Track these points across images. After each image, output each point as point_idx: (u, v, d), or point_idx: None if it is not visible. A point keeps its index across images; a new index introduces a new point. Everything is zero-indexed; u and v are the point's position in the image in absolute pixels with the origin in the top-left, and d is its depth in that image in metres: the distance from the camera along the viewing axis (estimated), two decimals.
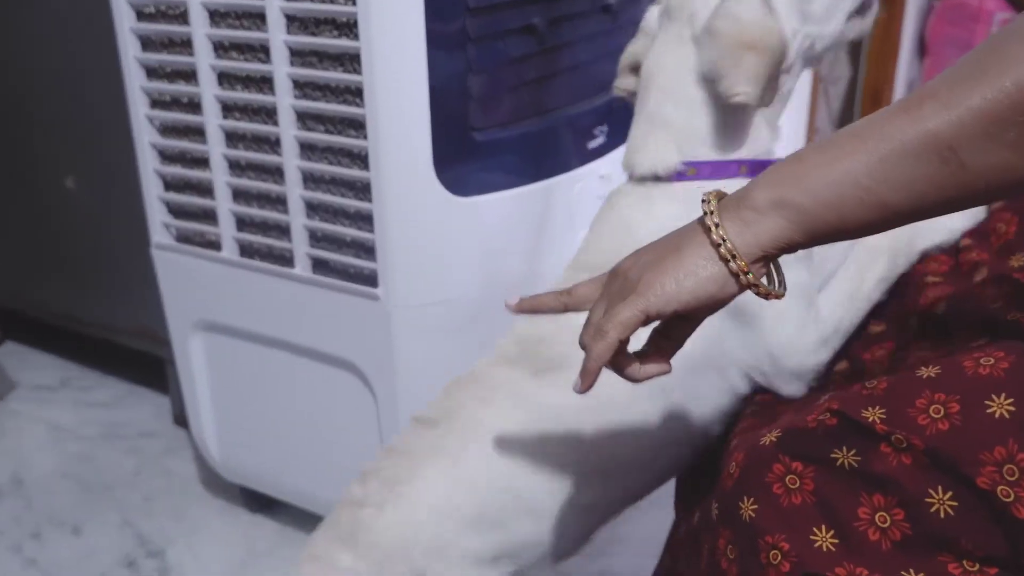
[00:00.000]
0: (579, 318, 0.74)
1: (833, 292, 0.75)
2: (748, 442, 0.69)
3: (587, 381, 0.58)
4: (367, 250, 1.06)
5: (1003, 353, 0.59)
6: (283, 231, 1.12)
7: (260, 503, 1.40)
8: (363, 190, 1.03)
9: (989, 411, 0.57)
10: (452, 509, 0.73)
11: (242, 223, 1.16)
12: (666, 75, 0.76)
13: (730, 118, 0.74)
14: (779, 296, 0.56)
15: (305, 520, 1.36)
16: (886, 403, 0.60)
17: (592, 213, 1.25)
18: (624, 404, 0.75)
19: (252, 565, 1.32)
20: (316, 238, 1.10)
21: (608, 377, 0.71)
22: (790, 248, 0.54)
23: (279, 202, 1.11)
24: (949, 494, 0.57)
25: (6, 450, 1.61)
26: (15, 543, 1.37)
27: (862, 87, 2.22)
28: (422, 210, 1.03)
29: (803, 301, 0.74)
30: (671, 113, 0.75)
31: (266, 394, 1.25)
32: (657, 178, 0.76)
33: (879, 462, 0.59)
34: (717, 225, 0.53)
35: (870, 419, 0.60)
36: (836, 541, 0.61)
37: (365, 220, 1.04)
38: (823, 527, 0.61)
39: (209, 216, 1.18)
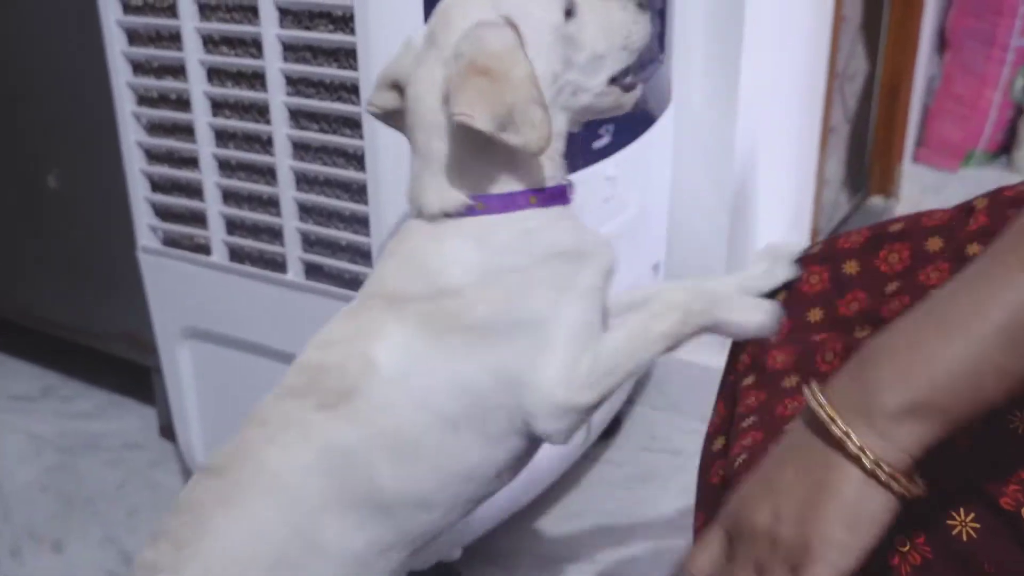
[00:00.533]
0: (367, 344, 0.74)
1: (616, 336, 0.75)
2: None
3: None
4: (363, 255, 1.06)
5: None
6: (275, 234, 1.12)
7: None
8: (359, 192, 1.03)
9: (1011, 427, 0.56)
10: (247, 561, 0.73)
11: (232, 226, 1.16)
12: (427, 108, 0.76)
13: (498, 150, 0.74)
14: (921, 492, 0.53)
15: None
16: None
17: (597, 218, 1.25)
18: (414, 438, 0.74)
19: None
20: (309, 242, 1.10)
21: (395, 408, 0.73)
22: (934, 445, 0.51)
23: (271, 204, 1.11)
24: (972, 515, 0.56)
25: None
26: None
27: (879, 83, 2.22)
28: None
29: (581, 338, 0.74)
30: (440, 148, 0.76)
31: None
32: (447, 215, 0.77)
33: None
34: (863, 450, 0.50)
35: None
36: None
37: (361, 223, 1.04)
38: None
39: (198, 219, 1.18)
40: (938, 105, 2.59)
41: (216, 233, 1.16)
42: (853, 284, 0.78)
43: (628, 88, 0.82)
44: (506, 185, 0.76)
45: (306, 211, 1.09)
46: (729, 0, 1.45)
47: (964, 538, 0.56)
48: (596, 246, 0.78)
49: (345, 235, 1.06)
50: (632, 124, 1.30)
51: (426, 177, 0.77)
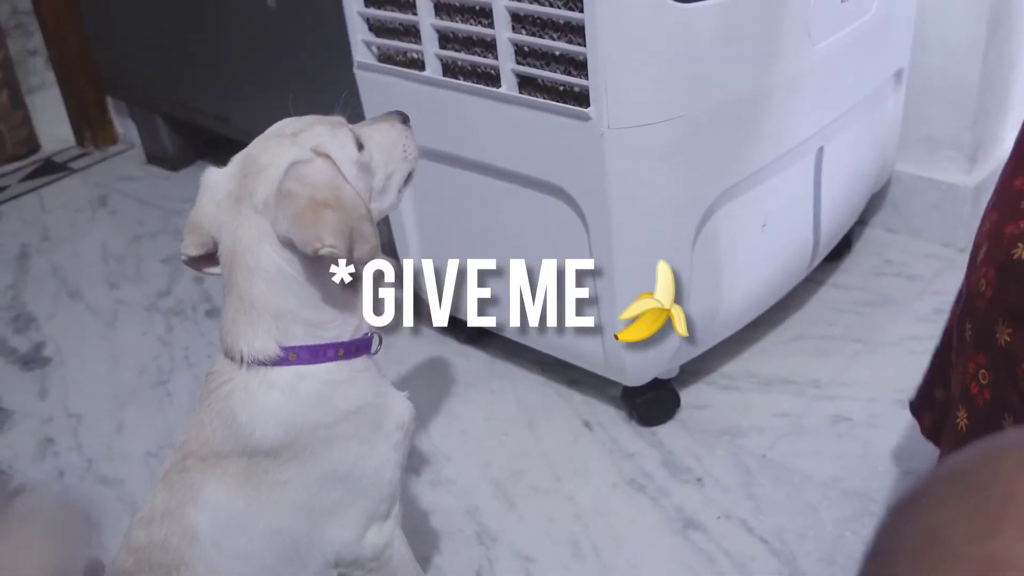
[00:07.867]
0: (187, 513, 0.88)
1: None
2: (996, 255, 0.71)
3: None
4: (578, 66, 1.13)
5: None
6: (488, 47, 1.20)
7: (468, 335, 1.55)
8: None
9: None
10: None
11: (445, 39, 1.25)
12: (250, 252, 0.86)
13: (318, 293, 0.87)
14: None
15: (513, 351, 1.50)
16: None
17: (833, 19, 1.24)
18: None
19: (459, 396, 1.48)
20: (523, 53, 1.18)
21: (220, 572, 0.89)
22: None
23: (483, 15, 1.19)
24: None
25: None
26: None
27: None
28: (639, 19, 1.07)
29: (383, 491, 0.94)
30: (262, 291, 0.87)
31: (471, 221, 1.38)
32: (257, 363, 0.87)
33: None
34: None
35: None
36: None
37: (576, 32, 1.10)
38: None
39: (411, 33, 1.28)
40: None
41: (429, 47, 1.26)
42: None
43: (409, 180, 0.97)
44: (320, 334, 0.89)
45: (519, 21, 1.16)
46: None
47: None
48: (394, 400, 0.95)
49: (559, 45, 1.12)
50: None
51: (242, 323, 0.88)
